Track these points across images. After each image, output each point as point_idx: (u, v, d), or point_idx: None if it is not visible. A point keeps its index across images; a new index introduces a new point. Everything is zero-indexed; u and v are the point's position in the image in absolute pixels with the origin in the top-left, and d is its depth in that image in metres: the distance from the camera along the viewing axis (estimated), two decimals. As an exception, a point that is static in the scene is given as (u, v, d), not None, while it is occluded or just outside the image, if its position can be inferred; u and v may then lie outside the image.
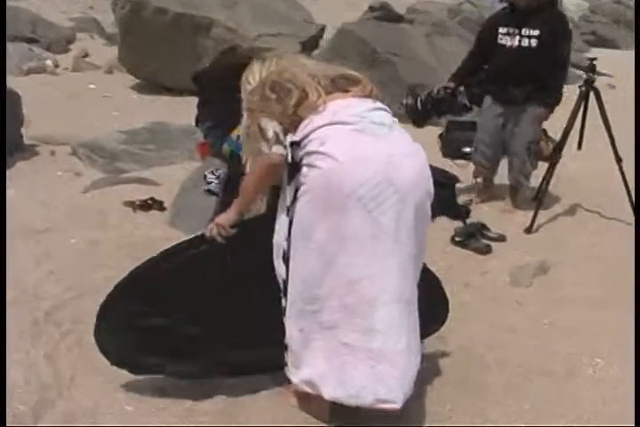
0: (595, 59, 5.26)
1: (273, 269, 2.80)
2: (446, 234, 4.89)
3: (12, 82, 8.10)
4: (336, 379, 2.70)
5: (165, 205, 5.25)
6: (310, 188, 2.57)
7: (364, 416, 2.81)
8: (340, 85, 2.72)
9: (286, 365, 2.88)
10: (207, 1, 10.13)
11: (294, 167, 2.63)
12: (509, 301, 4.08)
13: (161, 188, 5.66)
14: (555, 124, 5.74)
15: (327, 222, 2.57)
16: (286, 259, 2.71)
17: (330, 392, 2.73)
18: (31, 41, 12.48)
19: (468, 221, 5.09)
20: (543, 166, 5.62)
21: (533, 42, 5.21)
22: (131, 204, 5.22)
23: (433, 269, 3.23)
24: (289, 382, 2.91)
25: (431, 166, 2.75)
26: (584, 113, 5.26)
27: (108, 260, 4.25)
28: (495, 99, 5.48)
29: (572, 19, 14.36)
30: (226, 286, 2.89)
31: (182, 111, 8.04)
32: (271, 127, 2.63)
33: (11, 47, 10.74)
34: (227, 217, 2.83)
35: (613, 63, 9.96)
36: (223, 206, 4.33)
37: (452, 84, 5.50)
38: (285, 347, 2.84)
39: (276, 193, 2.78)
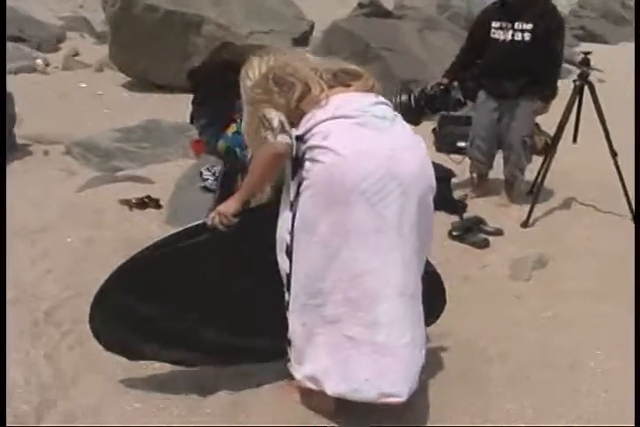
0: (589, 53, 5.27)
1: (273, 258, 2.79)
2: (443, 228, 4.89)
3: (3, 81, 8.05)
4: (339, 374, 2.70)
5: (161, 202, 5.23)
6: (313, 182, 2.57)
7: (368, 411, 2.81)
8: (341, 80, 2.71)
9: (289, 361, 2.88)
10: (198, -2, 10.13)
11: (297, 162, 2.62)
12: (509, 294, 4.09)
13: (156, 186, 5.64)
14: (548, 119, 5.75)
15: (330, 217, 2.56)
16: (289, 253, 2.71)
17: (333, 388, 2.73)
18: (19, 40, 12.43)
19: (465, 215, 5.10)
20: (537, 160, 5.64)
21: (527, 35, 5.21)
22: (126, 202, 5.20)
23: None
24: (291, 378, 2.91)
25: None
26: (579, 107, 5.27)
27: (106, 259, 4.20)
28: (489, 93, 5.48)
29: (561, 13, 14.36)
30: (224, 275, 2.88)
31: (174, 109, 8.05)
32: (276, 116, 2.61)
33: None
34: (229, 206, 2.79)
35: (602, 58, 9.94)
36: (220, 203, 4.35)
37: (445, 81, 5.50)
38: (288, 343, 2.83)
39: (279, 187, 2.76)
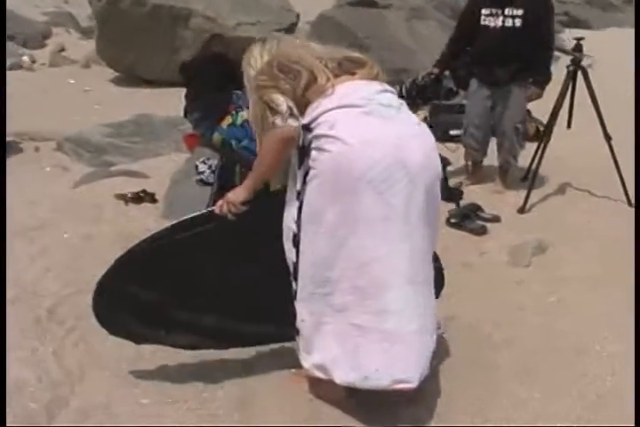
0: (582, 38, 5.27)
1: (279, 247, 2.77)
2: (441, 216, 4.85)
3: (-11, 79, 8.01)
4: (348, 363, 2.70)
5: (157, 197, 5.22)
6: (320, 171, 2.55)
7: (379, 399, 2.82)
8: (346, 68, 2.69)
9: (297, 349, 2.88)
10: (185, -9, 10.09)
11: (303, 151, 2.61)
12: (511, 280, 4.10)
13: (151, 180, 5.63)
14: (541, 105, 5.76)
15: (338, 206, 2.55)
16: (296, 242, 2.70)
17: (342, 377, 2.73)
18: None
19: (462, 202, 5.11)
20: (530, 147, 5.65)
21: (517, 21, 5.20)
22: (122, 197, 5.19)
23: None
24: (299, 367, 2.90)
25: None
26: (572, 92, 5.27)
27: (104, 254, 4.14)
28: (481, 81, 5.48)
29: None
30: (229, 262, 2.88)
31: (164, 103, 8.04)
32: (284, 101, 2.57)
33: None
34: (238, 194, 2.74)
35: (587, 43, 9.91)
36: (218, 195, 4.34)
37: (436, 70, 5.50)
38: (296, 332, 2.83)
39: (286, 175, 2.75)
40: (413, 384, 2.68)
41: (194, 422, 2.81)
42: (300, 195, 2.64)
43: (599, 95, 5.26)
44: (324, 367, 2.76)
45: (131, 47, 9.80)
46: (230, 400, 2.94)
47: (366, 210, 2.55)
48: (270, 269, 2.82)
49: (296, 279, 2.75)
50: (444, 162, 5.49)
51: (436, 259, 2.99)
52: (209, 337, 3.05)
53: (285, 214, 2.74)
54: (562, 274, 4.17)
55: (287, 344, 3.05)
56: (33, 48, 12.40)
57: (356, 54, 2.77)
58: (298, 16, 11.12)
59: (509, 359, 3.28)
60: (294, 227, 2.69)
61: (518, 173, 5.76)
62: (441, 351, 3.17)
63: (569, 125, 5.39)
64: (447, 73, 5.68)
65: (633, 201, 5.26)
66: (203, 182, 5.00)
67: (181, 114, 6.08)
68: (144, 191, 5.24)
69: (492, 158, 5.79)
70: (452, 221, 4.88)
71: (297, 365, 2.91)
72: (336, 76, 2.65)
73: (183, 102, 5.56)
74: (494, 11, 5.26)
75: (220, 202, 2.78)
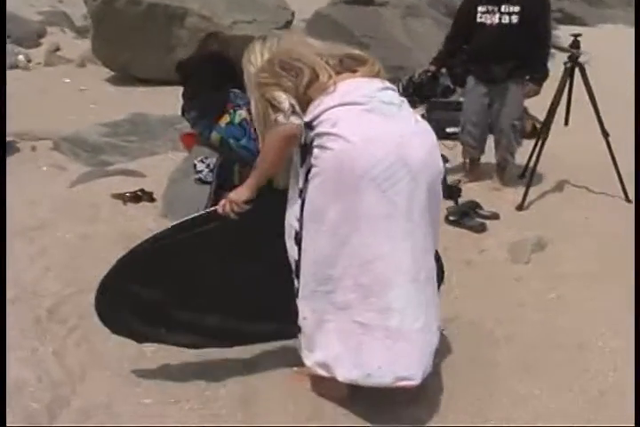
0: (579, 35, 5.26)
1: (281, 245, 2.77)
2: (440, 214, 4.89)
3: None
4: (351, 361, 2.70)
5: (155, 196, 5.21)
6: (322, 169, 2.55)
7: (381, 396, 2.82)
8: (347, 65, 2.68)
9: (300, 347, 2.87)
10: (180, -10, 10.07)
11: (305, 148, 2.60)
12: (511, 277, 4.10)
13: (148, 179, 5.62)
14: (538, 102, 5.76)
15: (340, 203, 2.55)
16: (298, 240, 2.69)
17: (345, 374, 2.72)
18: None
19: (461, 200, 5.11)
20: (527, 144, 5.66)
21: (514, 18, 5.21)
22: (120, 196, 5.17)
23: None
24: (301, 365, 2.90)
25: None
26: (570, 89, 5.28)
27: (104, 254, 4.15)
28: (478, 78, 5.48)
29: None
30: (231, 261, 2.88)
31: (160, 102, 8.02)
32: (286, 98, 2.56)
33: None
34: (240, 193, 2.73)
35: (583, 40, 9.91)
36: (217, 194, 4.33)
37: (432, 68, 5.51)
38: (298, 329, 2.83)
39: (287, 174, 2.74)
40: (416, 382, 2.68)
41: (196, 422, 2.81)
42: (302, 193, 2.64)
43: (596, 92, 5.27)
44: (327, 365, 2.76)
45: (126, 46, 9.78)
46: (233, 399, 2.94)
47: (369, 208, 2.54)
48: (272, 267, 2.82)
49: (298, 277, 2.75)
50: (442, 159, 5.51)
51: (437, 258, 2.98)
52: (211, 336, 3.05)
53: (287, 212, 2.73)
54: (561, 270, 4.18)
55: (289, 342, 3.04)
56: (28, 47, 12.36)
57: (358, 51, 2.76)
58: (293, 14, 11.09)
59: (510, 356, 3.28)
60: (296, 225, 2.68)
61: (516, 170, 5.77)
62: (442, 349, 3.18)
63: (566, 122, 5.40)
64: (444, 71, 5.69)
65: (631, 197, 5.26)
66: (201, 181, 4.98)
67: (178, 113, 6.05)
68: (142, 190, 5.23)
69: (489, 156, 5.80)
70: (451, 218, 4.88)
71: (299, 363, 2.91)
72: (337, 73, 2.64)
73: (181, 101, 5.54)
74: (490, 8, 5.27)
75: (222, 201, 2.77)
